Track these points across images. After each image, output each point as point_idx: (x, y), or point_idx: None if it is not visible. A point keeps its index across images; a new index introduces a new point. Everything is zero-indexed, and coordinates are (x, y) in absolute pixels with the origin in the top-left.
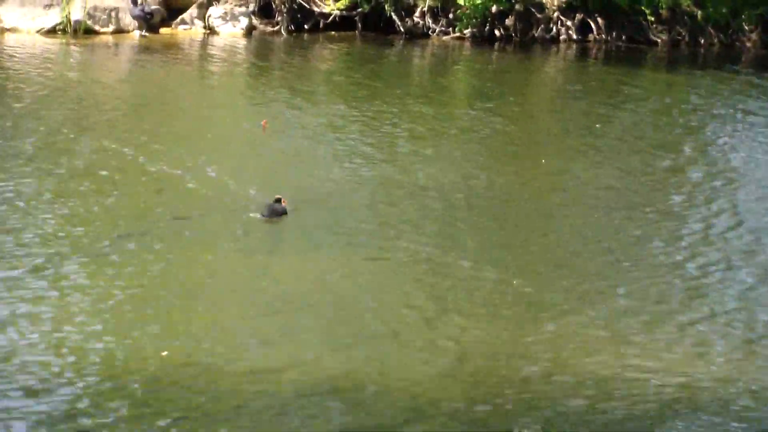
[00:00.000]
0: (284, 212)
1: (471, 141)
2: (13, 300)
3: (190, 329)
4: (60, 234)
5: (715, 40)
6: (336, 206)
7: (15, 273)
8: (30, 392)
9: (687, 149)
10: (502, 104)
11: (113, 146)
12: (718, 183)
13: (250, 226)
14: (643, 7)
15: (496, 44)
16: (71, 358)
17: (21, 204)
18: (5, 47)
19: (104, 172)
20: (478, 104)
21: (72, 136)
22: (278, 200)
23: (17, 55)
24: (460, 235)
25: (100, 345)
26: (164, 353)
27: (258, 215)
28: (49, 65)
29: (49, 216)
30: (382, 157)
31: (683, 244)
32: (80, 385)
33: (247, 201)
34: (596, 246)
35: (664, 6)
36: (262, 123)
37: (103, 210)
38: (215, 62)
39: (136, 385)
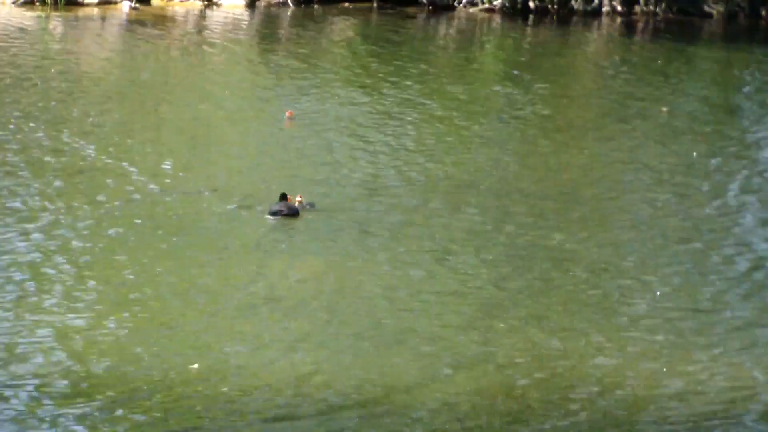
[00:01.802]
0: (296, 212)
1: (503, 128)
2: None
3: (215, 339)
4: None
5: None
6: (362, 205)
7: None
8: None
9: (743, 136)
10: (536, 86)
11: (86, 144)
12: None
13: (263, 228)
14: None
15: (531, 18)
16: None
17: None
18: None
19: (85, 177)
20: (510, 87)
21: (42, 129)
22: (284, 196)
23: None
24: (487, 238)
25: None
26: (194, 366)
27: (268, 216)
28: (25, 42)
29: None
30: (410, 147)
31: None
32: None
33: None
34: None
35: None
36: (287, 114)
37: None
38: (215, 40)
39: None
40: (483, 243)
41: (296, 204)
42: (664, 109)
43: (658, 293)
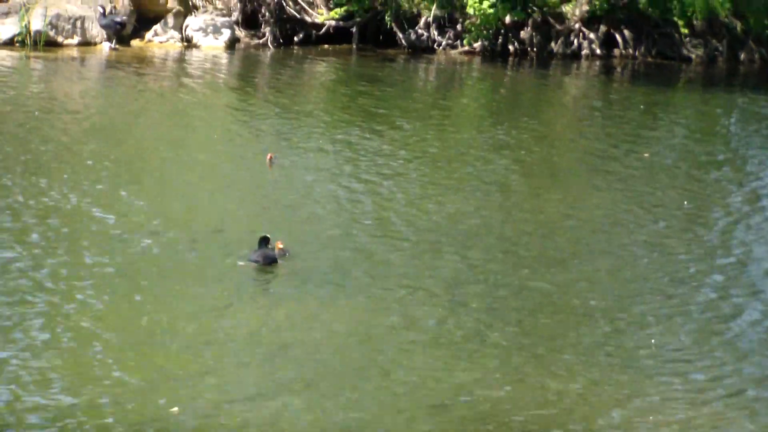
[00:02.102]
0: (274, 259)
1: (485, 172)
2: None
3: (197, 382)
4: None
5: (756, 56)
6: (338, 250)
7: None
8: None
9: (721, 182)
10: (517, 129)
11: (62, 189)
12: (754, 221)
13: (242, 274)
14: (675, 18)
15: (510, 59)
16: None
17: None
18: None
19: (55, 221)
20: (491, 129)
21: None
22: (265, 240)
23: None
24: (470, 286)
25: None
26: (174, 409)
27: (244, 262)
28: (3, 82)
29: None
30: (390, 190)
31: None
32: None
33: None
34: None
35: (699, 17)
36: (268, 157)
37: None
38: (195, 80)
39: None
40: (463, 287)
41: (276, 250)
42: (646, 154)
43: (646, 333)
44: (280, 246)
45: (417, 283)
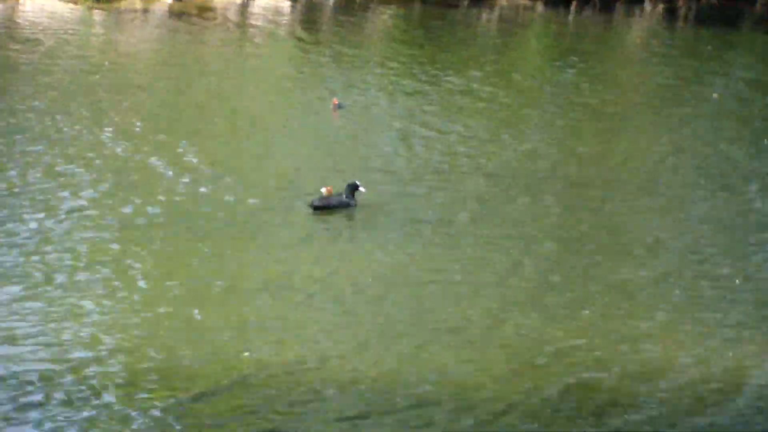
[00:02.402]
0: (340, 203)
1: (549, 118)
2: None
3: (271, 328)
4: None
5: None
6: (412, 192)
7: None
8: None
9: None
10: (581, 75)
11: (129, 139)
12: None
13: (314, 220)
14: None
15: (572, 6)
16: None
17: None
18: (20, 13)
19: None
20: (554, 76)
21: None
22: (352, 186)
23: (28, 27)
24: (536, 226)
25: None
26: (246, 354)
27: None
28: (66, 38)
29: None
30: (458, 134)
31: None
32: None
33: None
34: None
35: None
36: (333, 102)
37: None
38: (258, 32)
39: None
40: (531, 231)
41: (325, 193)
42: (715, 95)
43: (709, 275)
44: (330, 190)
45: (488, 230)
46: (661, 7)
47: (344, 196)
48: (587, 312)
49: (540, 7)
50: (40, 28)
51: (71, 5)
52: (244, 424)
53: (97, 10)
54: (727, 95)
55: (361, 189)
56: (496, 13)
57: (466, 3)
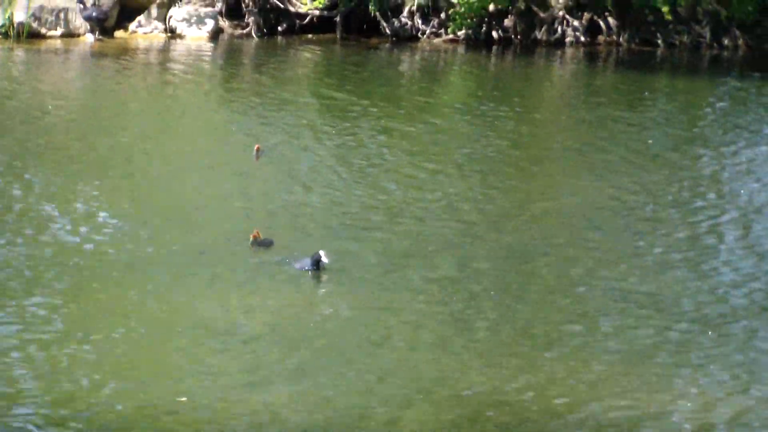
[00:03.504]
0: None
1: (469, 160)
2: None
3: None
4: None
5: (740, 42)
6: (329, 241)
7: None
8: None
9: (706, 165)
10: (501, 117)
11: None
12: (736, 203)
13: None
14: (659, 5)
15: (494, 48)
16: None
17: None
18: None
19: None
20: (475, 117)
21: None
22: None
23: None
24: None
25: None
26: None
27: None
28: None
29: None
30: (377, 177)
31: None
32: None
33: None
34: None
35: (683, 4)
36: (255, 148)
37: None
38: (180, 70)
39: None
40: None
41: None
42: (650, 141)
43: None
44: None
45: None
46: (582, 50)
47: (306, 266)
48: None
49: (461, 49)
50: None
51: None
52: None
53: (18, 49)
54: (628, 140)
55: (324, 260)
56: (417, 55)
57: (387, 45)
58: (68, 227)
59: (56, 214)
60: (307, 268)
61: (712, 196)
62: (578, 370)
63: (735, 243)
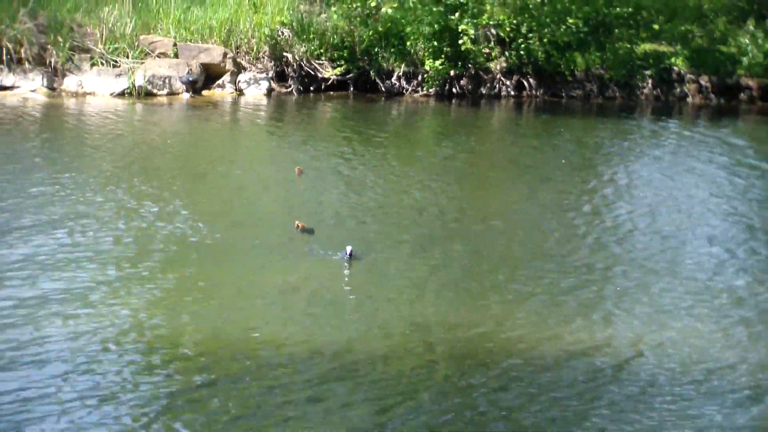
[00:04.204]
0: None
1: (435, 171)
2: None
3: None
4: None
5: (617, 94)
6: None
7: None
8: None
9: (602, 177)
10: (459, 144)
11: (155, 185)
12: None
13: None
14: (562, 69)
15: (454, 100)
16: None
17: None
18: (87, 106)
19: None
20: (442, 144)
21: (127, 172)
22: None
23: (95, 112)
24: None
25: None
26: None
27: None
28: (118, 119)
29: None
30: (385, 189)
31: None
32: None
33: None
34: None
35: (579, 69)
36: (297, 169)
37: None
38: (245, 116)
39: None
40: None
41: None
42: (564, 160)
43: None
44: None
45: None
46: (512, 101)
47: (341, 255)
48: None
49: (432, 101)
50: (103, 115)
51: (121, 100)
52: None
53: (138, 104)
54: (539, 160)
55: (352, 252)
56: (403, 105)
57: (383, 98)
58: (164, 221)
59: (156, 211)
60: (341, 256)
61: (608, 197)
62: (515, 311)
63: (621, 225)
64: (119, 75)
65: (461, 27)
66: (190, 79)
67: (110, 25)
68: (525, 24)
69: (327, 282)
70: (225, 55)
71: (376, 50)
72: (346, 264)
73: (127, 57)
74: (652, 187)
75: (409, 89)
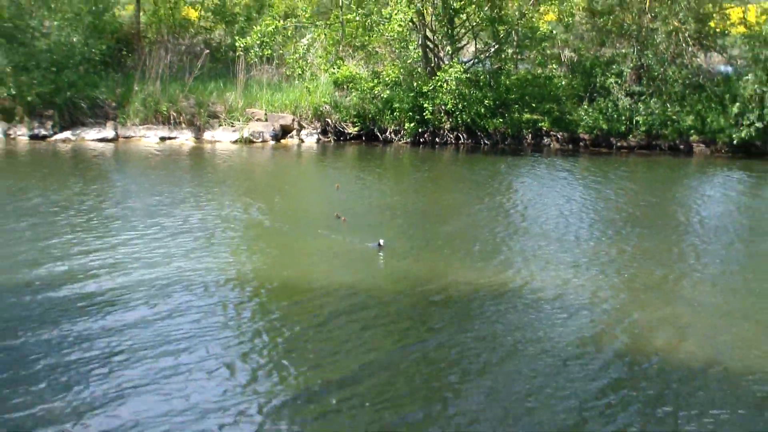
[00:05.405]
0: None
1: (412, 183)
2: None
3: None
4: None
5: (511, 143)
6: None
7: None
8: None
9: (498, 185)
10: (423, 171)
11: (245, 199)
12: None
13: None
14: (482, 128)
15: (421, 146)
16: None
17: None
18: (217, 149)
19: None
20: (415, 171)
21: (231, 197)
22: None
23: (221, 153)
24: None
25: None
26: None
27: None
28: (233, 155)
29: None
30: (396, 198)
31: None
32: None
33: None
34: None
35: (491, 128)
36: (336, 185)
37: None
38: (302, 155)
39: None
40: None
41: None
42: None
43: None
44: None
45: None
46: (453, 146)
47: (374, 245)
48: None
49: (409, 147)
50: (226, 153)
51: (235, 145)
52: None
53: (245, 146)
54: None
55: (380, 242)
56: (393, 149)
57: (381, 145)
58: (234, 219)
59: (228, 212)
60: (374, 246)
61: (523, 209)
62: (483, 265)
63: (517, 228)
64: (234, 131)
65: (425, 105)
66: (274, 133)
67: (229, 103)
68: (460, 104)
69: (367, 264)
70: (293, 120)
71: (377, 117)
72: (376, 250)
73: (239, 121)
74: (530, 194)
75: (396, 139)
